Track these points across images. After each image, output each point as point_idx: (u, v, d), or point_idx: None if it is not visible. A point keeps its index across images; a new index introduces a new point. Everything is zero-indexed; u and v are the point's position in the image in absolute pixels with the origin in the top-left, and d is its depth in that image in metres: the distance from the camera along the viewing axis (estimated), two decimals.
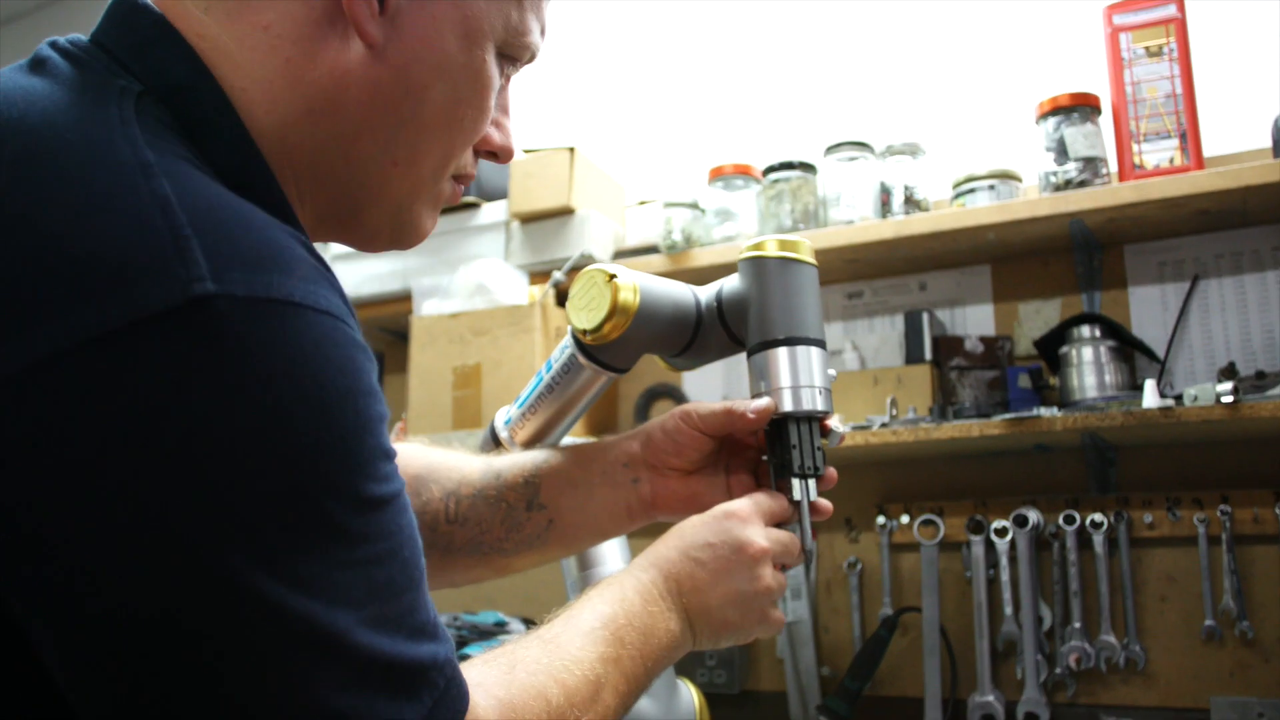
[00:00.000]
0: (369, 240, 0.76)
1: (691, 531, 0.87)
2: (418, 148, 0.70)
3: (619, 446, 1.00)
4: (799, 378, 0.93)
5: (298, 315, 0.54)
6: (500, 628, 1.72)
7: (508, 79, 0.78)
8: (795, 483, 0.92)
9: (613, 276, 0.96)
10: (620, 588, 0.82)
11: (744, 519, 0.87)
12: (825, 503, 0.95)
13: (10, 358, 0.49)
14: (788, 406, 0.92)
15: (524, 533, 0.99)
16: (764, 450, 0.98)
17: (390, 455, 0.59)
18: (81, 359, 0.49)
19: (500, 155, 0.79)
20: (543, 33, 0.77)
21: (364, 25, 0.65)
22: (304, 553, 0.52)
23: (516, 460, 1.02)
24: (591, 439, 1.06)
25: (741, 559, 0.85)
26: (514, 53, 0.74)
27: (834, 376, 0.97)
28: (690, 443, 0.96)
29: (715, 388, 2.01)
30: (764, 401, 0.92)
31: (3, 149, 0.54)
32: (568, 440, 1.11)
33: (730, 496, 0.98)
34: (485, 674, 0.66)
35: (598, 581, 1.16)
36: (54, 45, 0.63)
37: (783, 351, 0.94)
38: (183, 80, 0.63)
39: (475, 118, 0.73)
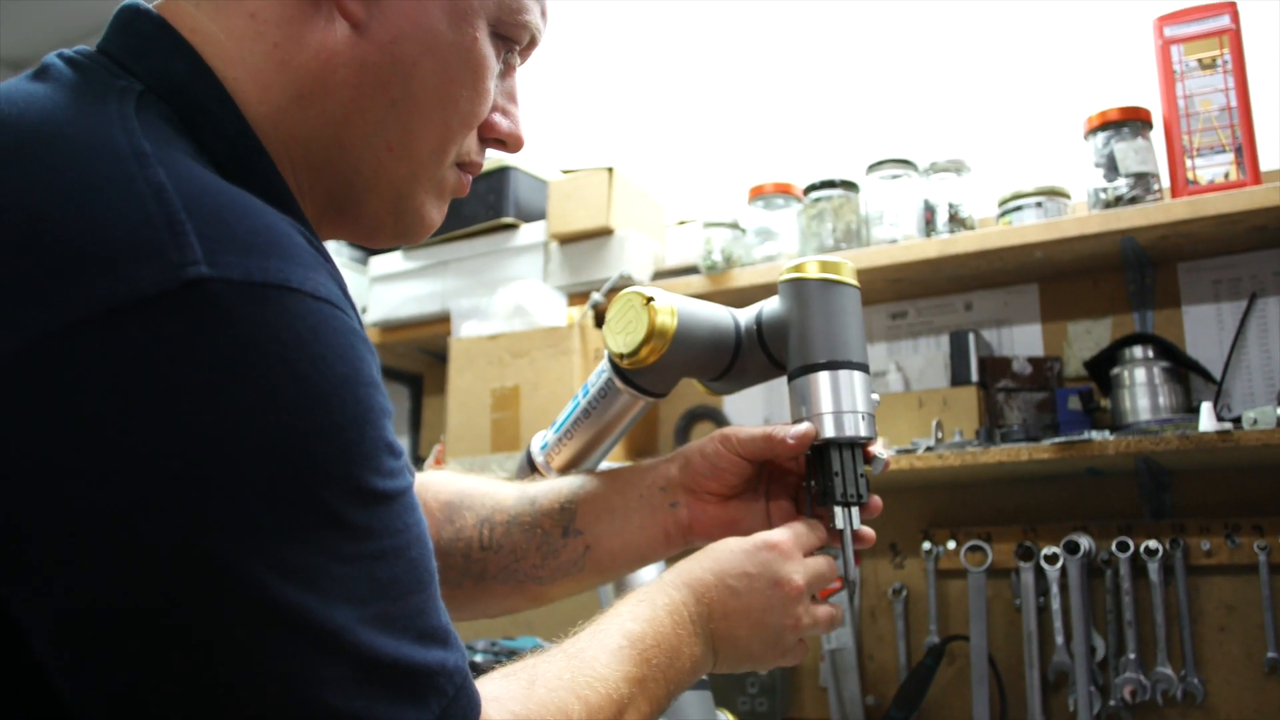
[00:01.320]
0: (373, 232, 0.75)
1: (730, 557, 0.85)
2: (411, 129, 0.69)
3: (657, 470, 0.98)
4: (841, 403, 0.90)
5: (294, 300, 0.52)
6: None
7: (512, 67, 0.77)
8: (838, 511, 0.90)
9: (650, 299, 0.94)
10: (651, 605, 0.79)
11: (785, 553, 0.85)
12: (868, 531, 0.92)
13: (3, 341, 0.48)
14: (829, 432, 0.90)
15: (560, 559, 0.97)
16: (805, 476, 0.96)
17: (396, 451, 0.57)
18: (73, 342, 0.48)
19: (509, 143, 0.77)
20: (543, 15, 0.75)
21: (346, 4, 0.65)
22: (301, 543, 0.50)
23: (552, 486, 1.00)
24: (628, 463, 1.04)
25: (777, 595, 0.83)
26: (510, 33, 0.73)
27: (877, 401, 0.94)
28: (729, 467, 0.94)
29: (757, 409, 1.98)
30: (804, 427, 0.90)
31: (2, 143, 0.54)
32: (605, 465, 1.09)
33: (769, 522, 0.95)
34: (504, 687, 0.63)
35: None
36: (60, 55, 0.64)
37: (824, 376, 0.91)
38: (182, 77, 0.63)
39: (471, 98, 0.71)
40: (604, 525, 0.96)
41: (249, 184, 0.60)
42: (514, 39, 0.73)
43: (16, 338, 0.48)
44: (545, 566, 0.97)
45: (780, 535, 0.86)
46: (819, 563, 0.87)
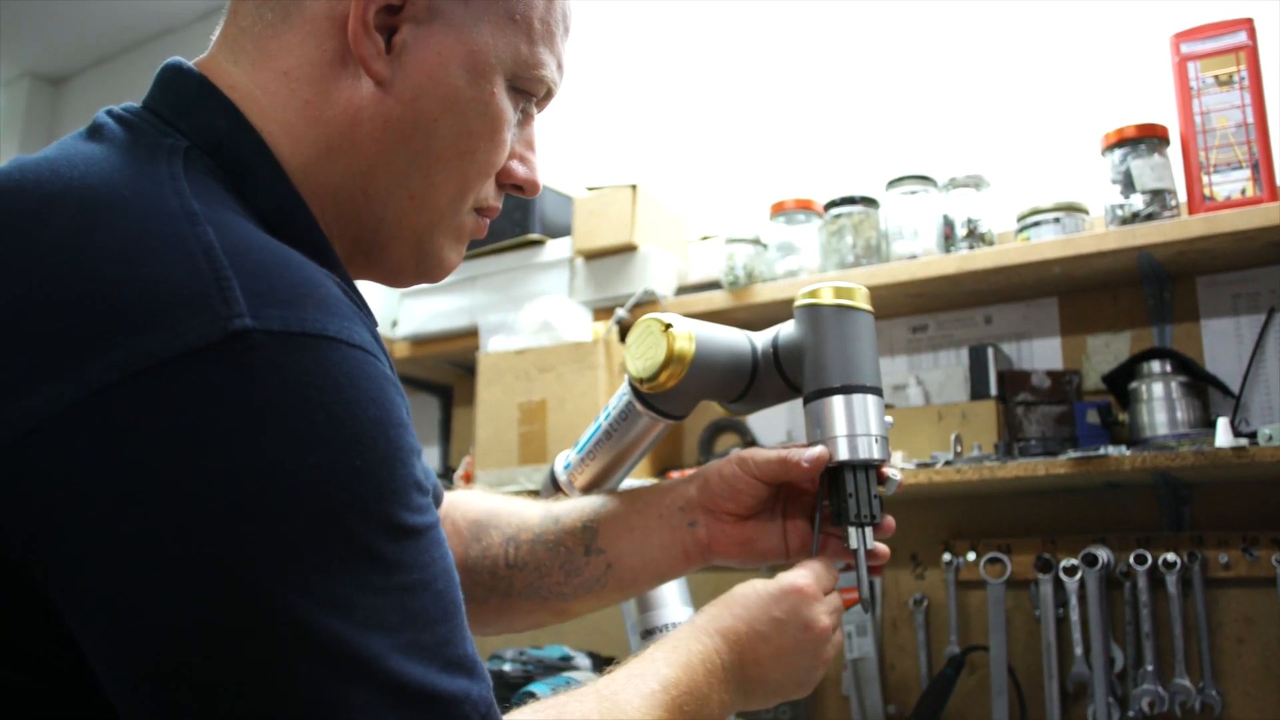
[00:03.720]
0: (395, 275, 0.79)
1: (759, 605, 0.88)
2: (432, 180, 0.73)
3: (676, 490, 1.01)
4: (855, 426, 0.93)
5: (331, 348, 0.57)
6: (565, 662, 1.73)
7: (530, 116, 0.80)
8: (852, 531, 0.93)
9: (668, 326, 0.97)
10: (686, 653, 0.82)
11: (811, 596, 0.88)
12: (883, 548, 0.95)
13: (66, 392, 0.53)
14: (844, 455, 0.93)
15: (582, 577, 1.01)
16: (821, 496, 0.99)
17: (424, 489, 0.61)
18: (130, 391, 0.52)
19: (525, 189, 0.82)
20: (560, 68, 0.79)
21: (371, 63, 0.69)
22: (337, 575, 0.54)
23: (575, 505, 1.04)
24: (649, 481, 1.07)
25: (807, 638, 0.87)
26: (528, 87, 0.76)
27: (890, 424, 0.97)
28: (746, 489, 0.97)
29: (779, 423, 2.01)
30: (818, 451, 0.93)
31: (65, 205, 0.58)
32: (628, 483, 1.13)
33: (785, 542, 0.99)
34: (534, 713, 0.67)
35: (655, 625, 1.17)
36: (109, 113, 0.69)
37: (839, 400, 0.94)
38: (224, 133, 0.68)
39: (489, 150, 0.75)
40: (625, 544, 1.00)
41: (289, 232, 0.64)
42: (531, 91, 0.77)
43: (82, 389, 0.53)
44: (569, 584, 1.00)
45: (804, 579, 0.89)
46: (838, 599, 0.92)
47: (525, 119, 0.80)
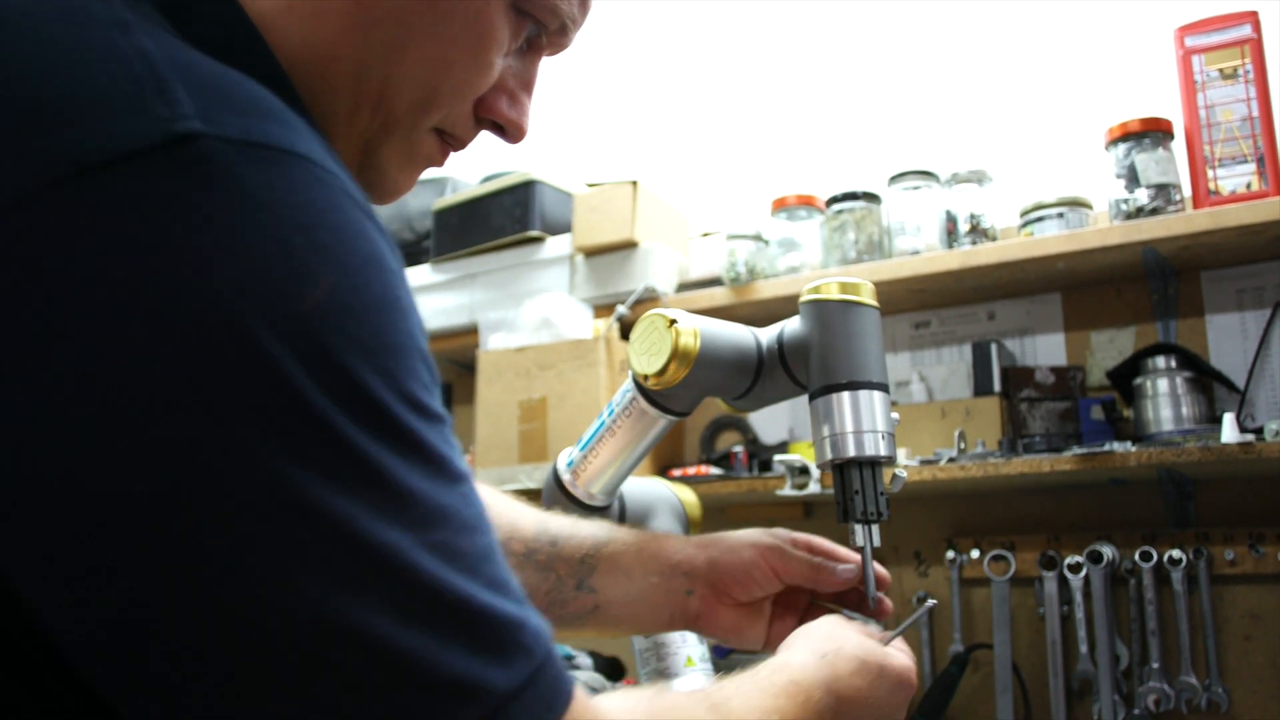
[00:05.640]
0: None
1: (875, 688, 0.78)
2: (393, 79, 0.62)
3: (684, 552, 0.95)
4: (861, 422, 0.92)
5: (304, 168, 0.46)
6: (568, 661, 1.72)
7: (537, 51, 0.70)
8: (857, 528, 0.92)
9: (673, 321, 0.96)
10: (807, 698, 0.72)
11: (912, 686, 0.82)
12: (883, 572, 0.93)
13: None
14: (850, 452, 0.92)
15: (566, 610, 0.95)
16: (819, 598, 0.96)
17: (434, 373, 0.49)
18: (44, 204, 0.41)
19: (508, 131, 0.70)
20: (581, 3, 0.68)
21: None
22: (341, 440, 0.42)
23: (574, 531, 0.97)
24: (655, 533, 1.01)
25: None
26: (535, 12, 0.66)
27: (897, 420, 0.96)
28: (762, 581, 0.93)
29: (781, 421, 2.00)
30: (852, 567, 0.91)
31: None
32: (632, 478, 1.12)
33: (769, 638, 0.94)
34: (626, 698, 0.59)
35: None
36: None
37: (845, 396, 0.93)
38: None
39: (468, 67, 0.64)
40: (618, 590, 0.94)
41: (237, 64, 0.52)
42: (540, 19, 0.66)
43: None
44: (550, 613, 0.92)
45: (910, 670, 0.82)
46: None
47: (531, 52, 0.69)
